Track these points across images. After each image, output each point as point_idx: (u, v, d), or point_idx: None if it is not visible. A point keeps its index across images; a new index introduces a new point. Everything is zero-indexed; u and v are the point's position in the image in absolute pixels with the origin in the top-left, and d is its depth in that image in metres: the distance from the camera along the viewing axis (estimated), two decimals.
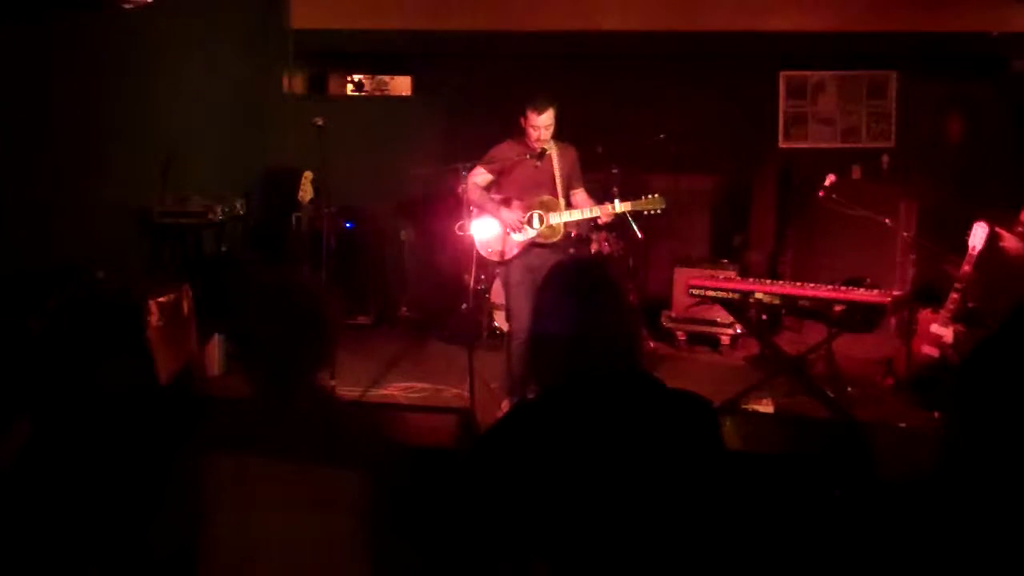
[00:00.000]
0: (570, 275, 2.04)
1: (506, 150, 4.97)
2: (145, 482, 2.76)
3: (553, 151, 4.93)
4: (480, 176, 4.96)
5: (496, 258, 5.00)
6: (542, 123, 4.81)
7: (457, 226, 4.95)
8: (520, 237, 4.93)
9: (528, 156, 4.92)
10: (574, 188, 5.06)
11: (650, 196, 4.98)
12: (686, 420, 1.90)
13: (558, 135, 4.94)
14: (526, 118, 4.84)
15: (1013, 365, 1.48)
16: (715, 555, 1.84)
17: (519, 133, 4.95)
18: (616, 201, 4.99)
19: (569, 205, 5.00)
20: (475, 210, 4.97)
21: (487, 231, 5.00)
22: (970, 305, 5.21)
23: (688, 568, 1.82)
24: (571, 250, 6.08)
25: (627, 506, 1.80)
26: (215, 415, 2.05)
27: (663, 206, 4.99)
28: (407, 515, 1.98)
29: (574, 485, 1.81)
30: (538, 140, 4.85)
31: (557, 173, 4.95)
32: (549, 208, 4.94)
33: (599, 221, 5.12)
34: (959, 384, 1.53)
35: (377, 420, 2.12)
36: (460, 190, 4.88)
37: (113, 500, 3.05)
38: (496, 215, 4.92)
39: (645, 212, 5.00)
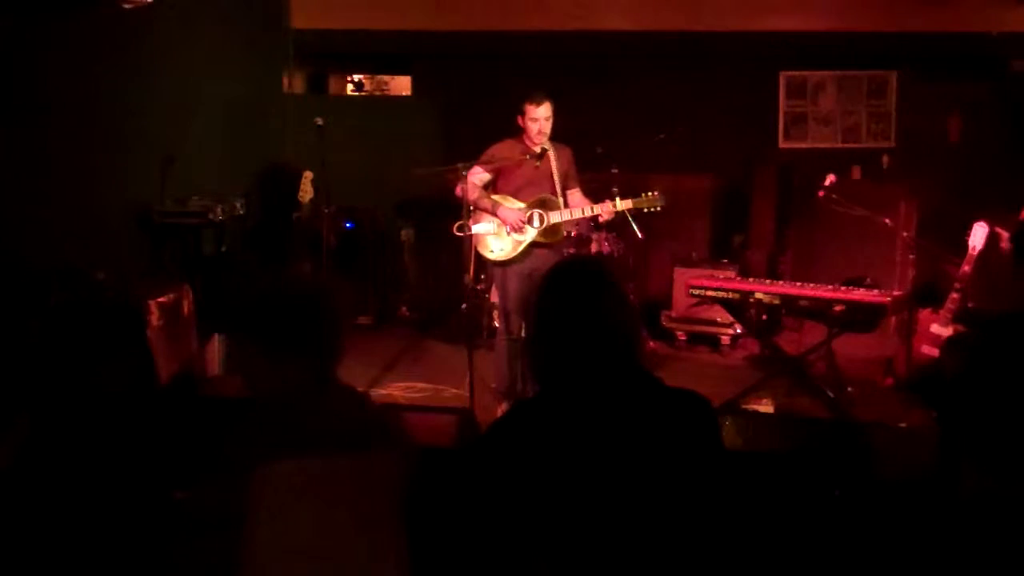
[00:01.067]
0: (570, 274, 2.04)
1: (503, 149, 4.96)
2: (145, 482, 2.76)
3: (550, 150, 4.93)
4: (478, 176, 4.94)
5: (496, 259, 4.98)
6: (541, 115, 4.81)
7: (456, 226, 4.93)
8: (520, 237, 4.91)
9: (528, 156, 4.91)
10: (570, 188, 5.05)
11: (649, 193, 4.97)
12: (685, 419, 1.90)
13: (554, 135, 4.93)
14: (524, 114, 4.83)
15: (999, 377, 1.48)
16: (714, 554, 1.84)
17: (516, 133, 4.95)
18: (617, 199, 4.98)
19: (565, 204, 5.00)
20: (474, 210, 4.95)
21: (486, 231, 4.98)
22: (970, 305, 5.21)
23: (688, 567, 1.82)
24: (571, 250, 6.09)
25: (626, 505, 1.80)
26: (257, 420, 2.02)
27: (662, 203, 4.97)
28: (427, 500, 2.05)
29: (573, 484, 1.81)
30: (539, 134, 4.84)
31: (555, 172, 4.94)
32: (549, 207, 4.93)
33: (600, 220, 5.11)
34: (950, 397, 1.54)
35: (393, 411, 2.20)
36: (458, 191, 4.87)
37: (113, 500, 3.05)
38: (496, 214, 4.91)
39: (645, 210, 4.99)
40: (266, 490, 1.91)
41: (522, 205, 4.94)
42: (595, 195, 5.12)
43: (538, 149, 4.89)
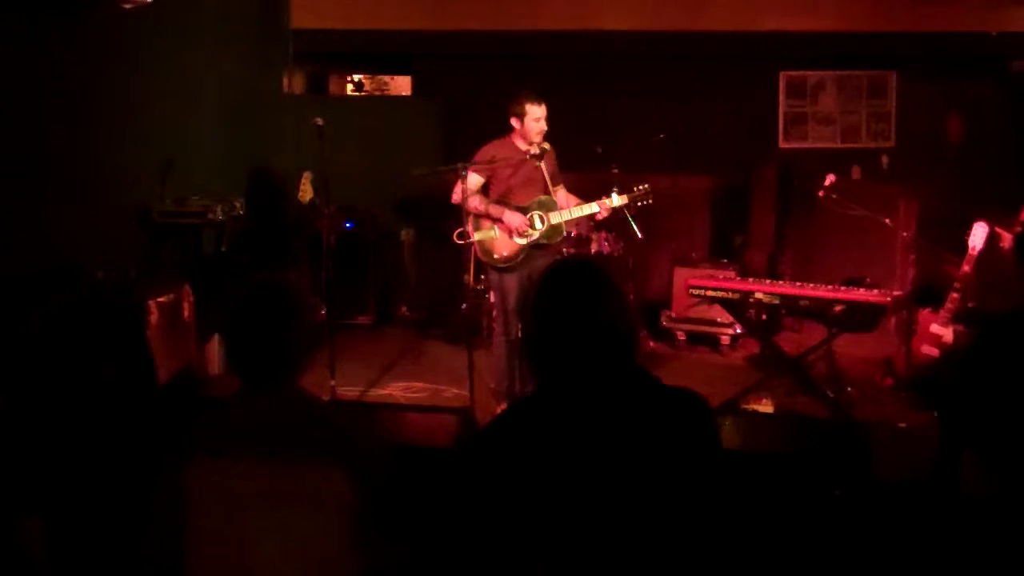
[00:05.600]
0: (566, 273, 2.05)
1: (501, 150, 4.93)
2: (143, 483, 2.75)
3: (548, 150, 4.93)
4: (472, 179, 4.87)
5: (499, 265, 4.95)
6: (542, 115, 4.83)
7: (456, 234, 4.89)
8: (522, 240, 4.89)
9: (528, 156, 4.90)
10: (556, 186, 5.05)
11: (639, 187, 4.98)
12: (682, 418, 1.90)
13: (547, 134, 4.93)
14: (524, 115, 4.82)
15: (999, 377, 1.49)
16: (712, 553, 1.84)
17: (506, 134, 4.94)
18: (613, 195, 4.98)
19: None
20: (475, 216, 4.91)
21: (488, 237, 4.94)
22: (970, 305, 5.21)
23: (685, 567, 1.82)
24: (570, 250, 6.08)
25: (623, 504, 1.80)
26: (196, 418, 2.05)
27: (651, 197, 4.98)
28: (390, 511, 1.97)
29: (570, 483, 1.81)
30: (539, 133, 4.84)
31: (545, 172, 4.93)
32: (548, 208, 4.92)
33: (597, 217, 5.11)
34: (950, 396, 1.54)
35: (356, 417, 2.12)
36: (454, 198, 4.85)
37: (111, 500, 3.05)
38: (500, 218, 4.89)
39: (639, 203, 4.99)
40: (198, 486, 1.94)
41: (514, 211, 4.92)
42: (594, 195, 5.11)
43: (537, 149, 4.88)
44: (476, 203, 4.87)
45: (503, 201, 4.92)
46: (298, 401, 2.06)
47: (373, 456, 1.99)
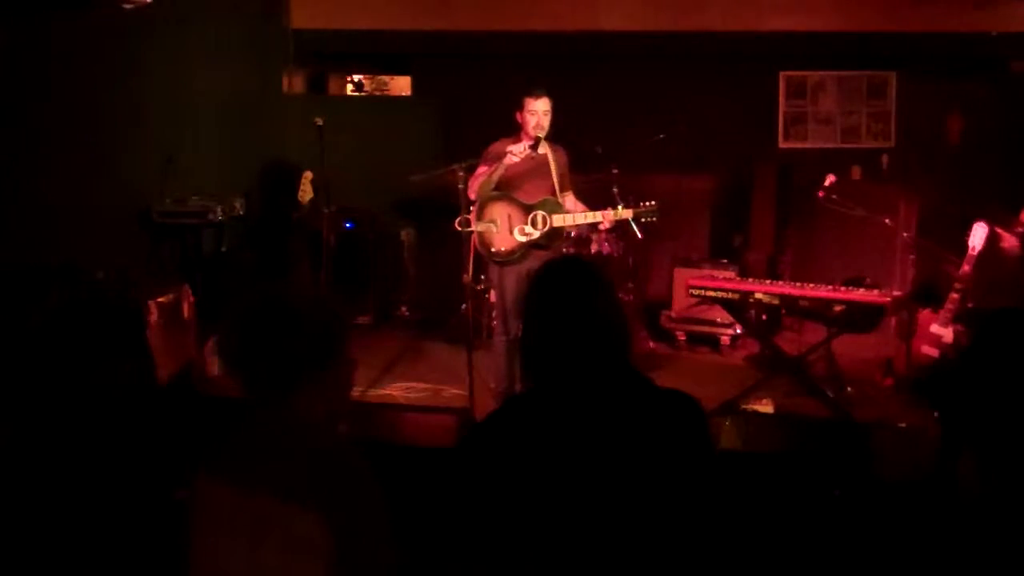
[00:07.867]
0: (558, 273, 2.06)
1: (498, 148, 4.93)
2: (143, 482, 2.77)
3: (548, 152, 4.92)
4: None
5: (496, 259, 4.96)
6: (540, 109, 4.80)
7: (457, 221, 4.89)
8: (522, 238, 4.90)
9: (525, 148, 4.87)
10: (565, 190, 5.05)
11: (647, 203, 4.99)
12: (674, 418, 1.91)
13: (554, 134, 4.92)
14: (523, 107, 4.82)
15: (992, 379, 1.49)
16: (704, 553, 1.84)
17: (514, 132, 4.94)
18: (620, 207, 4.99)
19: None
20: (477, 207, 4.91)
21: (488, 229, 4.94)
22: (970, 305, 5.21)
23: (677, 567, 1.82)
24: (570, 250, 6.08)
25: (614, 504, 1.80)
26: (217, 429, 1.99)
27: (657, 215, 5.00)
28: (369, 556, 1.84)
29: (560, 482, 1.81)
30: (536, 127, 4.81)
31: (553, 173, 4.93)
32: (553, 211, 4.92)
33: (600, 227, 5.11)
34: (948, 393, 1.55)
35: (349, 452, 1.91)
36: (471, 193, 4.84)
37: (111, 500, 3.05)
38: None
39: (643, 219, 5.00)
40: (194, 503, 1.91)
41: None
42: (594, 195, 5.11)
43: (531, 141, 4.86)
44: (482, 183, 4.86)
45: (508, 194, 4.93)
46: (295, 427, 1.91)
47: (355, 500, 1.82)
